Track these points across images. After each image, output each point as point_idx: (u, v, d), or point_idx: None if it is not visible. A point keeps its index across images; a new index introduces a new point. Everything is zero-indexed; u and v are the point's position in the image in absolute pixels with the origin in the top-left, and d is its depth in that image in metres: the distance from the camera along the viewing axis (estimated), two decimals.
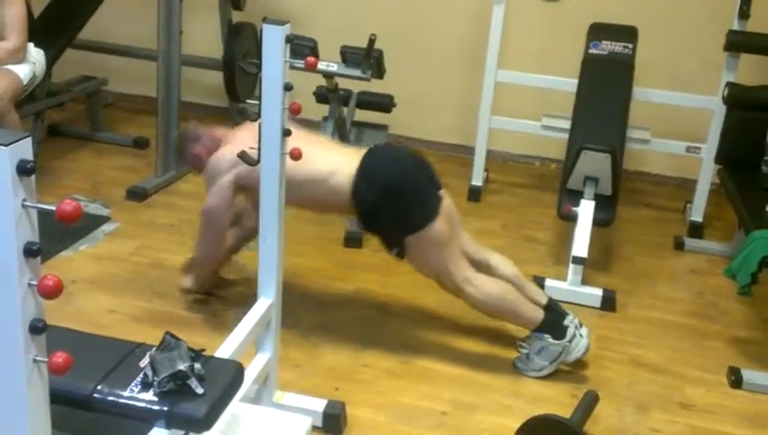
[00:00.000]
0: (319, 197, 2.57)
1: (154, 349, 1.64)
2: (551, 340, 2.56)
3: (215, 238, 2.75)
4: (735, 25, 3.54)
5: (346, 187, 2.50)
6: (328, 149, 2.68)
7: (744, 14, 3.51)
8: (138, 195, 3.67)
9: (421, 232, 2.49)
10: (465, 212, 3.83)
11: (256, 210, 2.24)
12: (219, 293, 2.95)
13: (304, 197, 2.53)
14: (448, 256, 2.54)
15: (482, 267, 2.67)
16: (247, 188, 2.59)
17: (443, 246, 2.53)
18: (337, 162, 2.55)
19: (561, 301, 2.79)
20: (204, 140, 2.77)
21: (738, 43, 3.52)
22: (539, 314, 2.59)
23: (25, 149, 1.04)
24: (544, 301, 2.67)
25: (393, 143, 4.46)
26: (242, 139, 2.45)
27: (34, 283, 1.05)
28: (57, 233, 2.98)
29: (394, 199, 2.49)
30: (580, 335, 2.60)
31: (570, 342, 2.57)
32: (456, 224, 2.64)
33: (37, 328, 1.08)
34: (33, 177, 1.05)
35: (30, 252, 1.05)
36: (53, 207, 1.02)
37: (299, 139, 2.36)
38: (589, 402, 2.33)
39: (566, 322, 2.59)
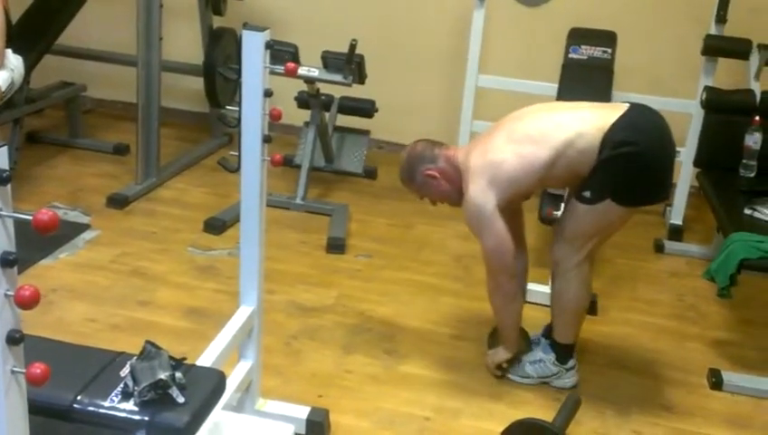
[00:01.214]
0: (571, 162, 2.34)
1: (134, 358, 1.63)
2: (554, 359, 2.57)
3: (510, 274, 2.48)
4: (713, 30, 3.58)
5: (595, 143, 2.30)
6: (563, 111, 2.49)
7: (720, 18, 3.55)
8: (118, 202, 3.65)
9: (628, 207, 2.38)
10: (446, 217, 3.84)
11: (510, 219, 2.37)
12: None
13: (557, 172, 2.37)
14: (601, 237, 2.47)
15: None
16: (508, 200, 2.41)
17: (609, 229, 2.46)
18: (579, 122, 2.37)
19: (543, 304, 2.80)
20: (440, 162, 2.52)
21: (715, 48, 3.56)
22: (574, 338, 2.59)
23: (1, 158, 1.03)
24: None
25: (374, 147, 4.47)
26: (476, 163, 2.38)
27: (11, 293, 1.04)
28: (37, 241, 2.93)
29: (642, 165, 2.32)
30: (576, 370, 2.60)
31: (567, 370, 2.58)
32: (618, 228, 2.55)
33: (14, 338, 1.07)
34: (8, 186, 1.04)
35: (6, 262, 1.04)
36: (30, 217, 1.01)
37: (523, 116, 2.47)
38: (571, 406, 2.33)
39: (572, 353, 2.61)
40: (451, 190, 2.52)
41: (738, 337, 3.01)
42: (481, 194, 2.37)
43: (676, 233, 3.78)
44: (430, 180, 2.53)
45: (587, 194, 2.36)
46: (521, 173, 2.36)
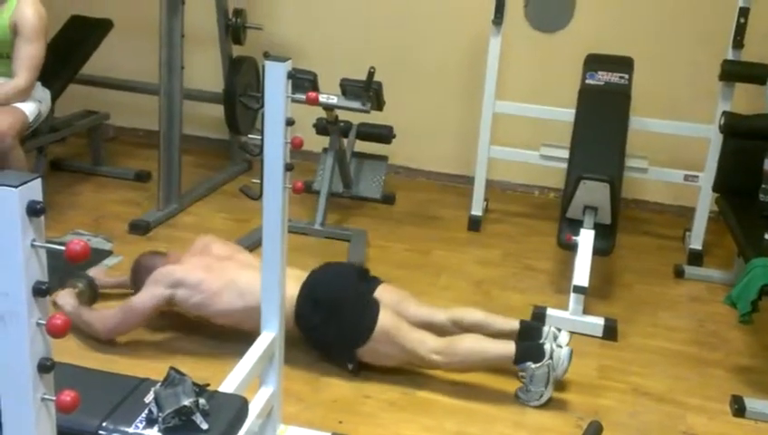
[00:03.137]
0: (234, 314, 2.68)
1: (158, 384, 1.65)
2: (533, 365, 2.57)
3: (119, 330, 2.75)
4: (730, 55, 3.59)
5: (289, 312, 2.55)
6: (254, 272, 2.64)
7: (737, 43, 3.56)
8: (140, 228, 3.69)
9: (369, 341, 2.59)
10: (465, 242, 3.87)
11: None
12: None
13: (238, 319, 2.67)
14: (404, 341, 2.61)
15: (445, 327, 2.73)
16: (175, 310, 2.77)
17: (395, 336, 2.61)
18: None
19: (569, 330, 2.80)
20: (157, 260, 2.86)
21: (733, 73, 3.56)
22: (510, 348, 2.60)
23: (35, 190, 1.06)
24: (517, 326, 2.71)
25: (392, 173, 4.50)
26: (191, 262, 2.72)
27: (43, 322, 1.07)
28: (60, 268, 2.98)
29: (337, 317, 2.60)
30: (559, 347, 2.60)
31: (551, 358, 2.57)
32: (400, 302, 2.74)
33: (46, 367, 1.09)
34: (42, 217, 1.07)
35: (39, 291, 1.07)
36: (63, 247, 1.04)
37: (225, 267, 2.71)
38: (593, 432, 2.32)
39: (543, 339, 2.62)
40: None
41: (760, 363, 2.98)
42: (168, 275, 2.69)
43: (696, 258, 3.77)
44: None
45: (350, 367, 2.68)
46: (196, 300, 2.68)
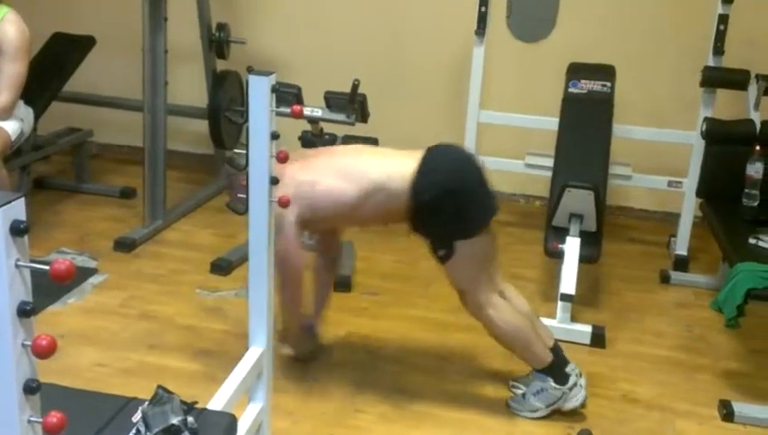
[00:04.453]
0: (379, 206, 2.51)
1: (146, 403, 1.64)
2: (552, 383, 2.56)
3: (294, 282, 2.64)
4: (710, 61, 3.62)
5: (404, 189, 2.45)
6: (377, 156, 2.65)
7: (718, 50, 3.60)
8: (126, 245, 3.67)
9: (473, 238, 2.47)
10: None
11: (328, 236, 2.54)
12: (319, 358, 2.89)
13: (365, 213, 2.54)
14: (483, 273, 2.53)
15: (501, 296, 2.64)
16: (311, 222, 2.60)
17: (483, 261, 2.53)
18: (389, 167, 2.52)
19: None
20: None
21: (714, 79, 3.60)
22: (548, 356, 2.59)
23: (18, 209, 1.05)
24: (551, 343, 2.66)
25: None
26: (291, 175, 2.46)
27: (28, 343, 1.06)
28: (45, 287, 2.95)
29: (455, 200, 2.44)
30: (580, 386, 2.60)
31: (570, 389, 2.57)
32: (495, 246, 2.64)
33: (32, 388, 1.08)
34: (26, 237, 1.06)
35: (23, 312, 1.06)
36: (47, 267, 1.03)
37: (347, 152, 2.63)
38: None
39: (568, 369, 2.60)
40: None
41: (748, 367, 3.00)
42: None
43: (681, 264, 3.79)
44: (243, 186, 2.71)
45: (441, 253, 2.49)
46: (322, 202, 2.54)
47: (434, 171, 2.48)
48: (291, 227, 2.53)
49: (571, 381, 2.57)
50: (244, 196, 2.05)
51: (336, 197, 2.52)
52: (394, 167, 2.51)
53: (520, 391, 2.65)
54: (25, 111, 3.54)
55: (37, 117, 3.74)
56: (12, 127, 3.38)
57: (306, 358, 2.84)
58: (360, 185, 2.48)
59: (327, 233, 2.85)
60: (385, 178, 2.48)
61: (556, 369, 2.58)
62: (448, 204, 2.44)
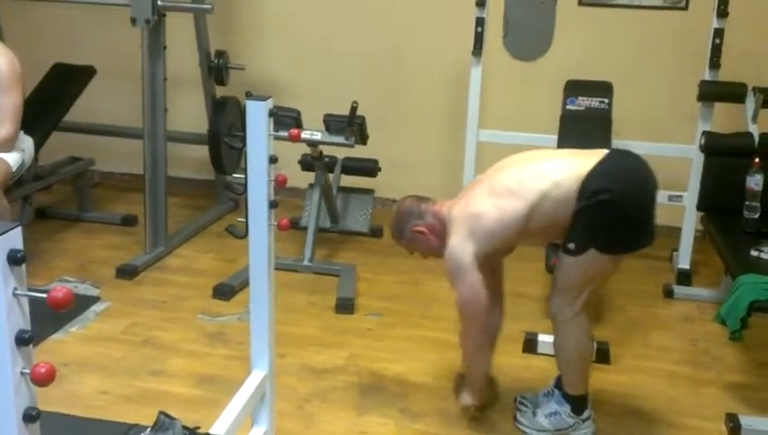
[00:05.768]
0: (546, 217, 2.37)
1: (148, 429, 1.64)
2: (569, 410, 2.55)
3: (479, 331, 2.51)
4: (707, 75, 3.64)
5: (572, 192, 2.32)
6: (540, 161, 2.49)
7: (714, 64, 3.61)
8: (127, 273, 3.67)
9: (612, 256, 2.39)
10: None
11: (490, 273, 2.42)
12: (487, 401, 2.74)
13: (533, 226, 2.38)
14: (588, 286, 2.44)
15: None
16: (488, 256, 2.46)
17: (596, 278, 2.46)
18: (558, 172, 2.38)
19: (554, 355, 2.79)
20: (427, 217, 2.57)
21: (711, 93, 3.61)
22: (584, 389, 2.57)
23: (15, 238, 1.06)
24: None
25: (379, 206, 4.50)
26: (462, 214, 2.41)
27: (27, 371, 1.06)
28: (47, 316, 2.95)
29: (623, 212, 2.33)
30: (592, 421, 2.58)
31: (583, 421, 2.56)
32: (611, 273, 2.58)
33: (31, 416, 1.08)
34: (23, 266, 1.07)
35: (22, 340, 1.06)
36: (44, 295, 1.04)
37: (510, 165, 2.53)
38: None
39: (587, 409, 2.58)
40: (439, 245, 2.53)
41: (754, 380, 2.98)
42: (460, 245, 2.40)
43: (684, 277, 3.78)
44: (419, 236, 2.58)
45: (571, 246, 2.37)
46: (499, 226, 2.38)
47: (612, 176, 2.33)
48: (471, 268, 2.38)
49: (587, 413, 2.56)
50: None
51: (510, 217, 2.36)
52: (563, 170, 2.37)
53: (528, 409, 2.63)
54: (26, 142, 3.56)
55: (38, 147, 3.77)
56: (13, 158, 3.40)
57: (486, 406, 2.72)
58: (526, 197, 2.34)
59: (489, 271, 2.58)
60: (551, 184, 2.34)
61: (579, 401, 2.56)
62: (611, 213, 2.31)
